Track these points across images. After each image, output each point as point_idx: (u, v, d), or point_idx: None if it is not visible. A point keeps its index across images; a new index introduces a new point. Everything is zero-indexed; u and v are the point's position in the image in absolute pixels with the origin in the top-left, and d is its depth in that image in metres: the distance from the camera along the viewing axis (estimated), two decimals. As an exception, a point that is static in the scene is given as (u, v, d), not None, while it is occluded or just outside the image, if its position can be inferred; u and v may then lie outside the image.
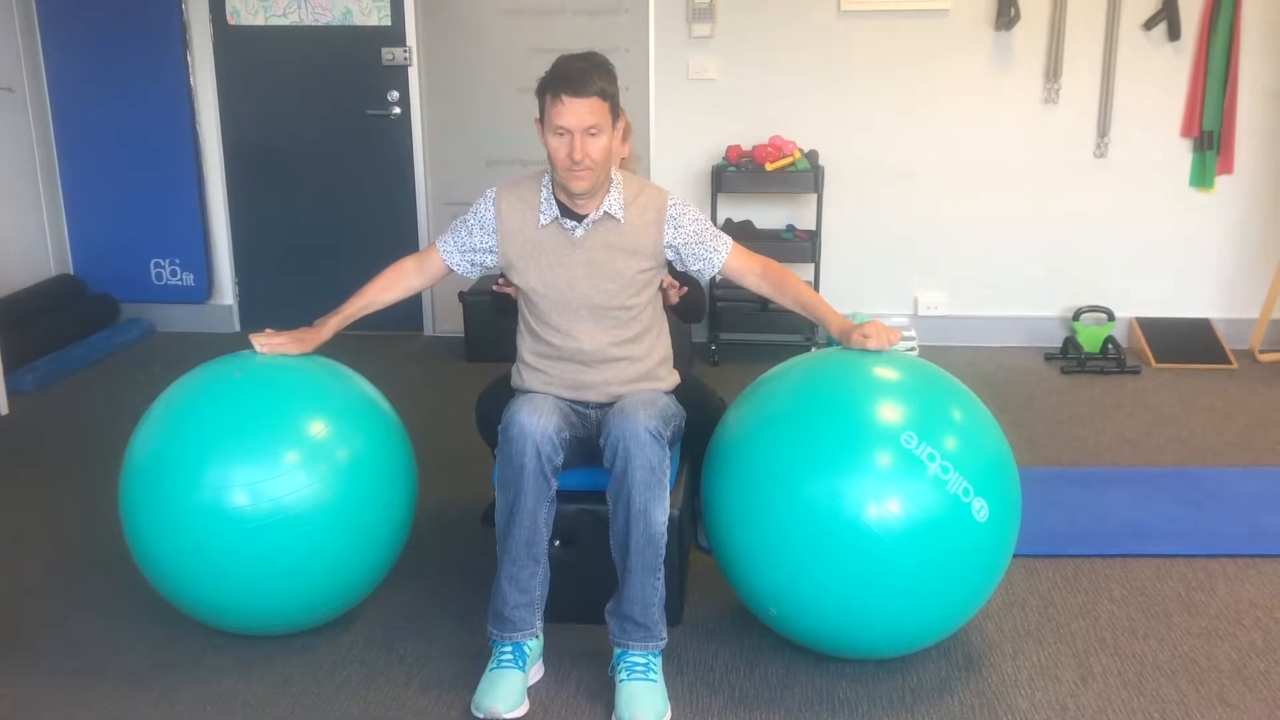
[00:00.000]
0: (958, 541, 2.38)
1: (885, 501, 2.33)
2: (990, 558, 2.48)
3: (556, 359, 2.68)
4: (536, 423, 2.45)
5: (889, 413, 2.43)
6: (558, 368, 2.68)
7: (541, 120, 2.54)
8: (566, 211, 2.62)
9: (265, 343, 2.68)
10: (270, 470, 2.47)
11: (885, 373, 2.56)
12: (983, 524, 2.39)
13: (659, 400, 2.62)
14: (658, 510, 2.46)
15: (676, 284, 2.93)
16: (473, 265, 2.75)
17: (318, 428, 2.57)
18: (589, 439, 2.65)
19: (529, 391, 2.69)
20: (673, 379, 2.79)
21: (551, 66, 2.52)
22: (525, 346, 2.74)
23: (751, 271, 2.73)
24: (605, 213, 2.60)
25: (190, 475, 2.48)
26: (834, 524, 2.35)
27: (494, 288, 2.97)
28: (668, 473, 2.50)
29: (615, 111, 2.55)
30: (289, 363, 2.70)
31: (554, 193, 2.62)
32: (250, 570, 2.50)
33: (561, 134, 2.48)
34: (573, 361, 2.67)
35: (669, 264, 2.74)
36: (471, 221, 2.71)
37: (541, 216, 2.62)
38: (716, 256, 2.68)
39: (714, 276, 2.72)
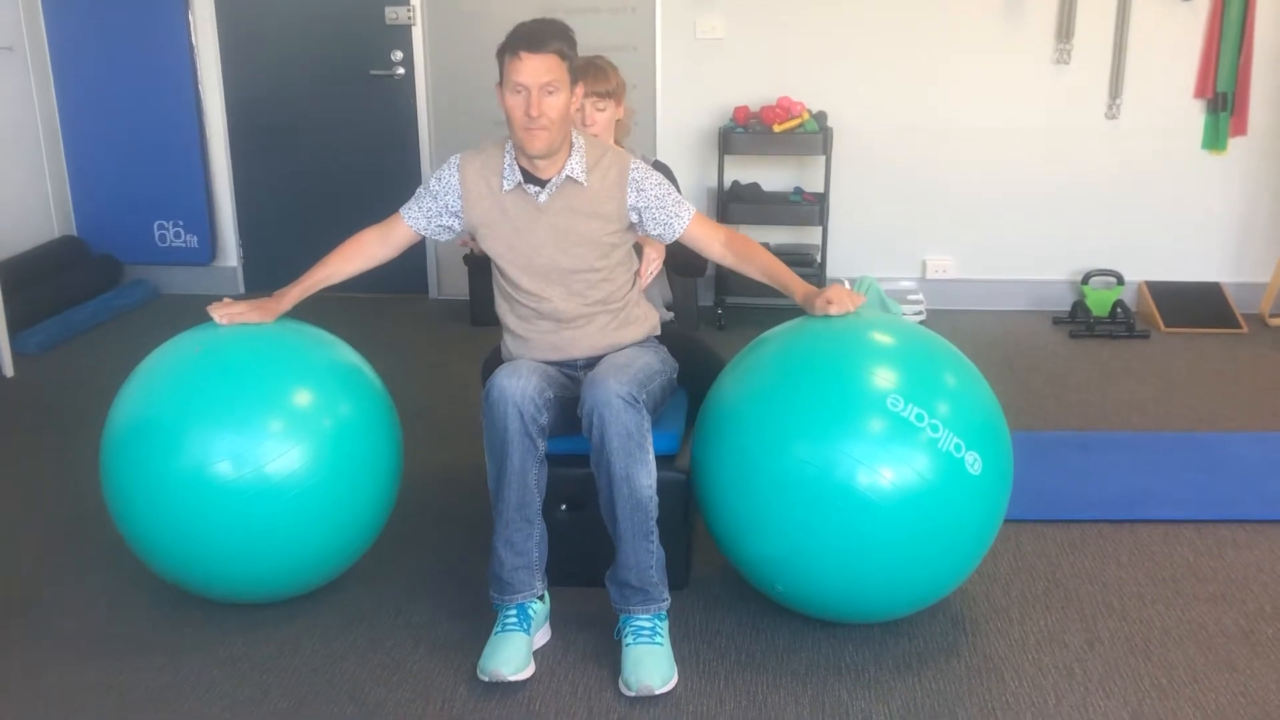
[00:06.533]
0: (955, 497, 2.38)
1: (877, 464, 2.32)
2: (988, 510, 2.48)
3: (535, 318, 2.69)
4: (516, 384, 2.45)
5: (875, 376, 2.42)
6: (538, 329, 2.69)
7: (501, 83, 2.54)
8: (530, 178, 2.61)
9: (225, 313, 2.65)
10: (254, 439, 2.45)
11: (869, 336, 2.56)
12: (977, 477, 2.39)
13: (636, 361, 2.61)
14: (641, 475, 2.45)
15: (652, 257, 2.87)
16: (440, 229, 2.74)
17: (301, 395, 2.55)
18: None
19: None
20: (651, 318, 2.80)
21: (511, 30, 2.53)
22: (504, 312, 2.76)
23: (716, 240, 2.72)
24: (568, 176, 2.60)
25: (172, 445, 2.46)
26: (828, 489, 2.34)
27: (460, 244, 2.96)
28: (649, 436, 2.48)
29: (573, 75, 2.55)
30: (270, 330, 2.66)
31: (516, 159, 2.61)
32: (233, 539, 2.48)
33: (519, 91, 2.49)
34: (551, 319, 2.68)
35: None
36: (436, 188, 2.70)
37: (505, 182, 2.62)
38: (678, 223, 2.68)
39: (673, 242, 2.72)
